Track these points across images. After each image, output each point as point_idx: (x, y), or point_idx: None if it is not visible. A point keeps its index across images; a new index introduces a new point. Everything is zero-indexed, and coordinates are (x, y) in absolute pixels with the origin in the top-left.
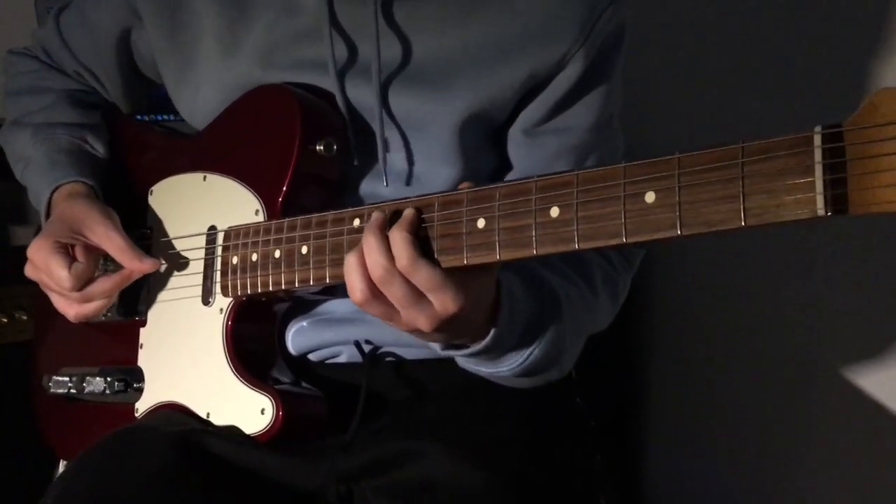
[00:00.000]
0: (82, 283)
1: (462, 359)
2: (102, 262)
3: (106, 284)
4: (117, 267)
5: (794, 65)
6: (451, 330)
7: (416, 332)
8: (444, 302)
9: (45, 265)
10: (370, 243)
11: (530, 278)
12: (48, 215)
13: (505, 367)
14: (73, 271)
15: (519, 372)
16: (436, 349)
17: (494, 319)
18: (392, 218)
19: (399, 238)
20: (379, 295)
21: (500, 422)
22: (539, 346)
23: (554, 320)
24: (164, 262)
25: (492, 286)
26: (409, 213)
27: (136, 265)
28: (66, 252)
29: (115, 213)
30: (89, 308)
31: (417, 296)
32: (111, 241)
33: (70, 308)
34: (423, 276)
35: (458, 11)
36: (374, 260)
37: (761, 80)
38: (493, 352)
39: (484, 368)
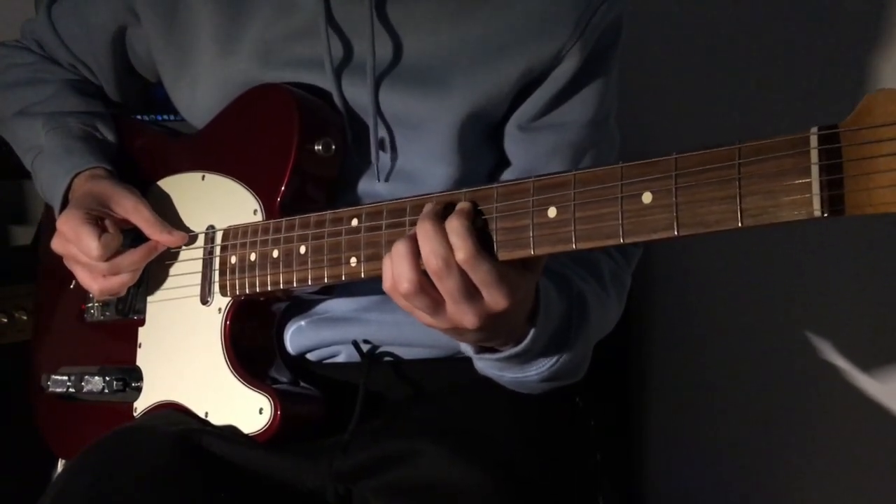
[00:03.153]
0: (111, 253)
1: (488, 363)
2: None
3: (134, 256)
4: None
5: (791, 64)
6: (492, 329)
7: (456, 329)
8: (496, 298)
9: (76, 235)
10: (427, 232)
11: (560, 279)
12: (64, 201)
13: (533, 372)
14: (102, 241)
15: (547, 376)
16: (467, 351)
17: (531, 321)
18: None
19: (460, 228)
20: (427, 287)
21: (499, 421)
22: (568, 350)
23: (582, 323)
24: (162, 260)
25: (534, 286)
26: (465, 204)
27: (165, 237)
28: (97, 223)
29: (137, 190)
30: (114, 282)
31: (471, 290)
32: (139, 213)
33: (95, 282)
34: (484, 270)
35: (453, 9)
36: (431, 249)
37: (758, 79)
38: (527, 354)
39: (509, 374)
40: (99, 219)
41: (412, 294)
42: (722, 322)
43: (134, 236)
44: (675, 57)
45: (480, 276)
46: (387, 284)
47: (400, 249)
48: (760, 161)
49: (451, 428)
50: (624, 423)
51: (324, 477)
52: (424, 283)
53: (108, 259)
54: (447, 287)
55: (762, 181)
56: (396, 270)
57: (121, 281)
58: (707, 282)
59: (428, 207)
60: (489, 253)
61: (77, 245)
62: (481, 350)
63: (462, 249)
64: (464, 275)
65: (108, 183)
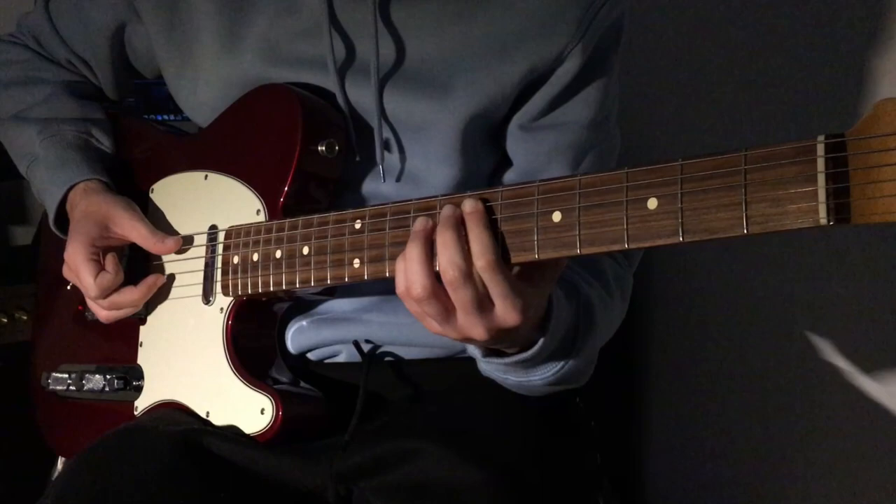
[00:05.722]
0: (107, 293)
1: (493, 366)
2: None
3: (133, 295)
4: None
5: (794, 65)
6: (500, 338)
7: (466, 338)
8: (509, 312)
9: (77, 271)
10: (447, 241)
11: (568, 286)
12: (59, 213)
13: (537, 377)
14: (98, 281)
15: (552, 381)
16: (473, 352)
17: (542, 328)
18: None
19: (483, 237)
20: (439, 294)
21: (499, 421)
22: (575, 356)
23: (589, 330)
24: (164, 259)
25: (547, 296)
26: (480, 205)
27: (159, 248)
28: (97, 261)
29: (133, 202)
30: (116, 315)
31: (484, 302)
32: (136, 230)
33: (100, 312)
34: (500, 280)
35: (456, 10)
36: (448, 258)
37: (764, 81)
38: (534, 360)
39: (513, 377)
40: (102, 252)
41: (423, 299)
42: (722, 322)
43: (130, 247)
44: (677, 58)
45: (496, 286)
46: (400, 289)
47: (413, 253)
48: (766, 168)
49: (451, 428)
50: (624, 423)
51: (324, 477)
52: (437, 289)
53: (105, 297)
54: (460, 297)
55: (768, 188)
56: (409, 274)
57: (122, 314)
58: (708, 282)
59: (448, 211)
60: (507, 263)
61: (78, 280)
62: (488, 353)
63: (482, 257)
64: (479, 286)
65: (104, 199)
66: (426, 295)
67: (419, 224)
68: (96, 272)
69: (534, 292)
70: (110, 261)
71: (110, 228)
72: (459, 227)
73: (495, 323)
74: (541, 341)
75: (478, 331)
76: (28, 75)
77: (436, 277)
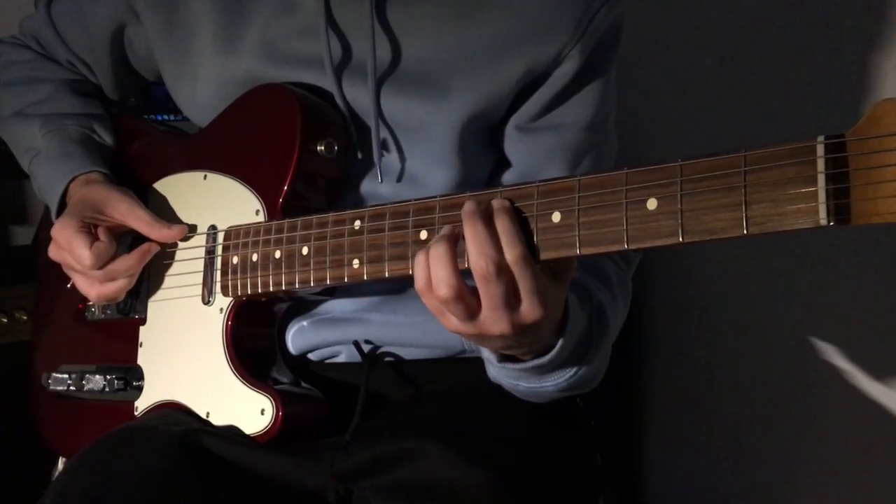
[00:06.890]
0: (103, 261)
1: (505, 372)
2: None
3: (129, 262)
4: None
5: (793, 66)
6: (520, 338)
7: (482, 336)
8: (533, 307)
9: (68, 244)
10: (478, 231)
11: (582, 291)
12: (61, 205)
13: (550, 383)
14: (94, 250)
15: (564, 387)
16: (488, 357)
17: (559, 332)
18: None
19: (511, 228)
20: (465, 294)
21: (500, 421)
22: (588, 362)
23: (601, 335)
24: (163, 259)
25: (564, 295)
26: (507, 203)
27: (164, 233)
28: (89, 231)
29: (132, 192)
30: (111, 288)
31: (512, 296)
32: (135, 215)
33: (92, 288)
34: (529, 275)
35: (454, 10)
36: (480, 250)
37: (763, 83)
38: (549, 366)
39: (525, 384)
40: (93, 226)
41: (450, 300)
42: (722, 323)
43: (133, 238)
44: (677, 59)
45: (525, 281)
46: (420, 284)
47: (440, 251)
48: (766, 169)
49: (451, 428)
50: (624, 423)
51: (325, 477)
52: (464, 290)
53: (101, 267)
54: (491, 291)
55: (768, 189)
56: (436, 274)
57: (117, 286)
58: (708, 283)
59: (472, 207)
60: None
61: (70, 254)
62: (503, 359)
63: (513, 251)
64: (510, 280)
65: (103, 187)
66: (453, 295)
67: (447, 228)
68: (90, 242)
69: (552, 287)
70: (103, 232)
71: (104, 212)
72: (487, 219)
73: (520, 318)
74: (559, 342)
75: (501, 326)
76: (30, 75)
77: (461, 278)
